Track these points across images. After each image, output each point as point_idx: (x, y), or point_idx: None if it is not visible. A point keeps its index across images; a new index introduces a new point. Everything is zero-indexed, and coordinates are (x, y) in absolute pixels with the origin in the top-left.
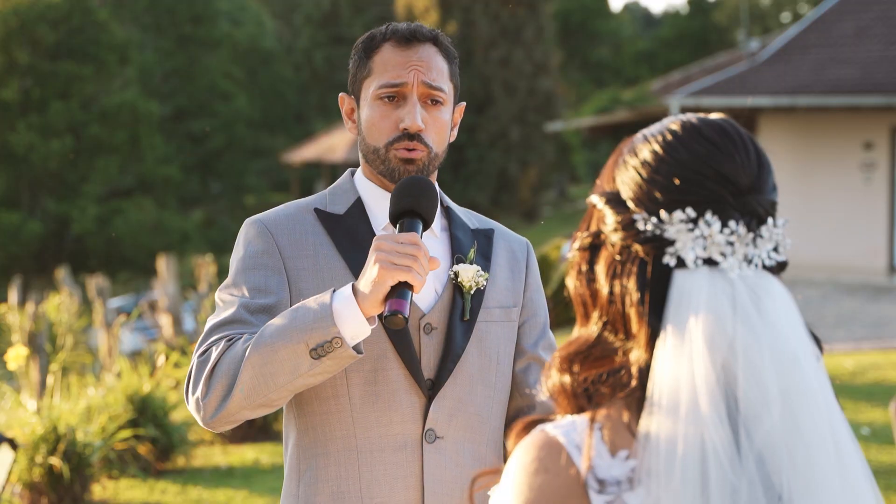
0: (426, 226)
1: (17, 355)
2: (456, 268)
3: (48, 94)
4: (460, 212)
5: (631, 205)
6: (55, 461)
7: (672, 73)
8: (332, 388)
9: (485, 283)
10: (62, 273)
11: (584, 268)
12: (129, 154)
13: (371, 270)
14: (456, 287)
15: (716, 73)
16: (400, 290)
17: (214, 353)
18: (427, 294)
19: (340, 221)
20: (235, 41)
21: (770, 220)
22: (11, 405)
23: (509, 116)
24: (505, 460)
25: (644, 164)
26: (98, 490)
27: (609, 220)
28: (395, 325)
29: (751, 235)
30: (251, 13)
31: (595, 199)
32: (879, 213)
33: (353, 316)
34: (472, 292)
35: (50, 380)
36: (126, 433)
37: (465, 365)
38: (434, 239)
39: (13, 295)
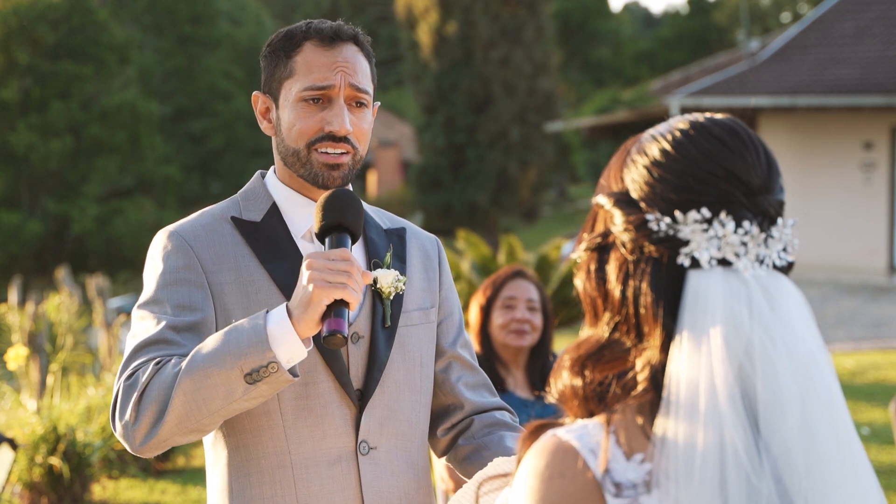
0: (354, 239)
1: (17, 355)
2: (374, 273)
3: (48, 94)
4: (372, 211)
5: (642, 205)
6: (55, 461)
7: (672, 73)
8: (263, 405)
9: (403, 288)
10: (62, 273)
11: (594, 268)
12: (129, 154)
13: (305, 290)
14: (375, 293)
15: (716, 73)
16: (336, 309)
17: (142, 378)
18: None
19: (258, 229)
20: (235, 41)
21: (780, 220)
22: (11, 405)
23: (509, 116)
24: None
25: (654, 163)
26: (98, 490)
27: (618, 220)
28: (334, 345)
29: (763, 236)
30: (251, 13)
31: (602, 200)
32: (879, 213)
33: (288, 339)
34: (391, 298)
35: (50, 380)
36: None
37: (390, 372)
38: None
39: (13, 295)
